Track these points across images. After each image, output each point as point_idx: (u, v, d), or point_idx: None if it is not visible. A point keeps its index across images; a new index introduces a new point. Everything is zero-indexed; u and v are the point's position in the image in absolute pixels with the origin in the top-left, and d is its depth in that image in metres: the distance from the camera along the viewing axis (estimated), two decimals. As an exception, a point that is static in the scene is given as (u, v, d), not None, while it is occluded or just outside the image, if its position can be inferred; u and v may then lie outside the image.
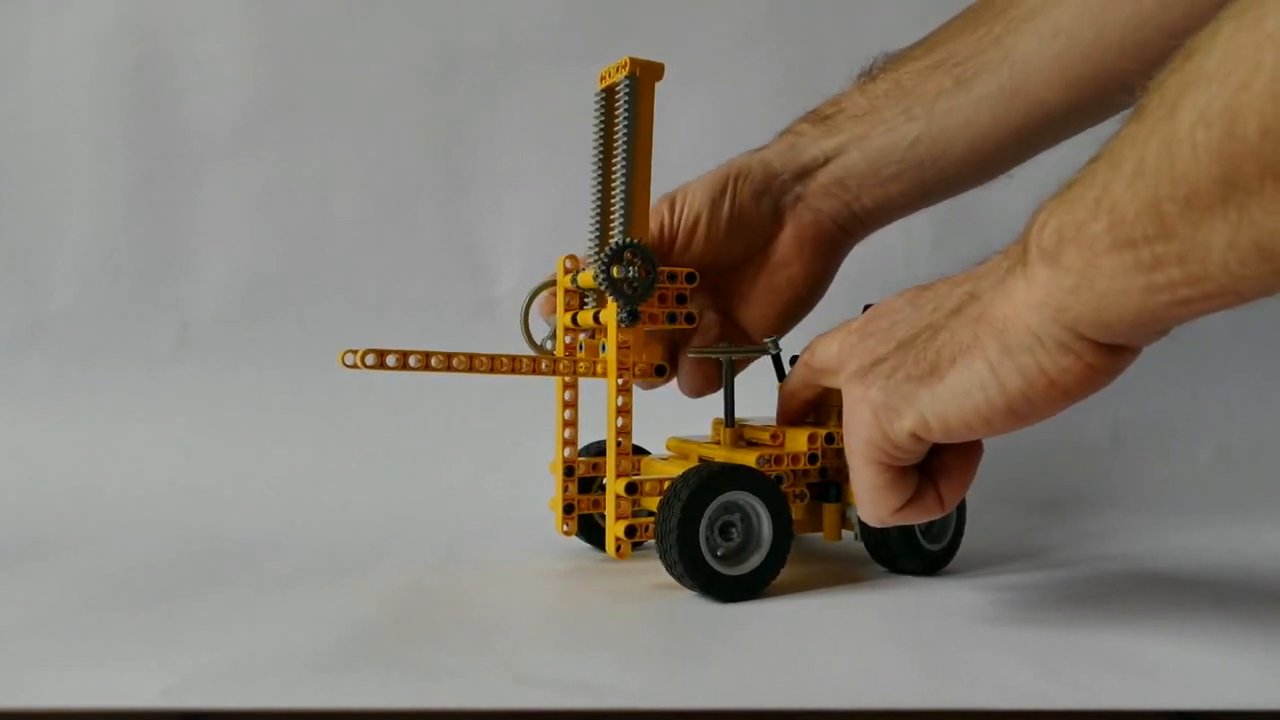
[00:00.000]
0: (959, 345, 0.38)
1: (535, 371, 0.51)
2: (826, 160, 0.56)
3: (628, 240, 0.51)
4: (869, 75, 0.57)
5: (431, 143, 0.86)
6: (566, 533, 0.56)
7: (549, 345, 0.57)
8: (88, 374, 0.82)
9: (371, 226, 0.85)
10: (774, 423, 0.54)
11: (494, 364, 0.49)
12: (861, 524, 0.52)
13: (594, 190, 0.54)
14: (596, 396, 0.55)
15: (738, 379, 0.55)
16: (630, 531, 0.50)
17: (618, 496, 0.50)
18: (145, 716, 0.34)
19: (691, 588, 0.48)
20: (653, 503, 0.50)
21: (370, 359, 0.46)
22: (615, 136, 0.52)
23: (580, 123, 0.58)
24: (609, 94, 0.53)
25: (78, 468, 0.76)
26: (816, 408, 0.54)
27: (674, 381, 0.57)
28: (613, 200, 0.52)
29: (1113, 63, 0.49)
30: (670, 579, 0.49)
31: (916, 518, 0.43)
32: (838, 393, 0.46)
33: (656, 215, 0.54)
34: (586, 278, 0.53)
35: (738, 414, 0.55)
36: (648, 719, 0.34)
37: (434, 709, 0.34)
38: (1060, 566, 0.56)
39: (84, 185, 0.84)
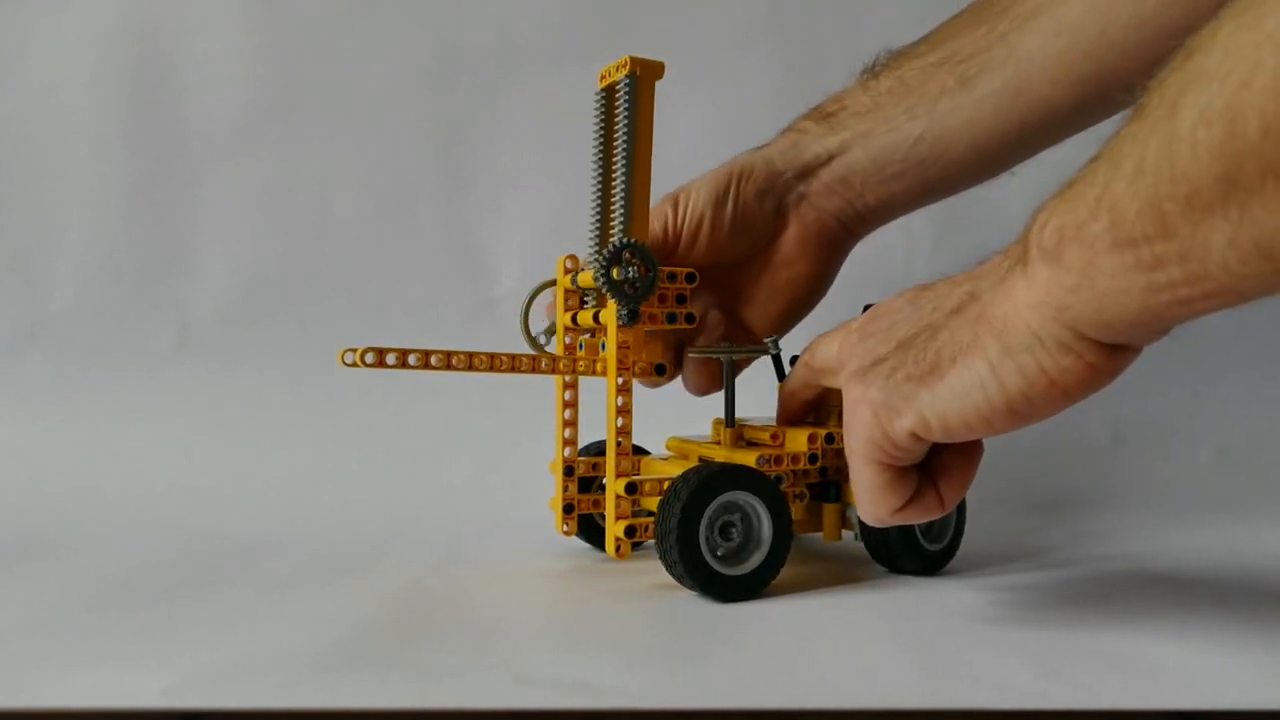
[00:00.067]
0: (959, 345, 0.38)
1: (535, 370, 0.51)
2: (830, 158, 0.56)
3: (628, 240, 0.51)
4: (872, 72, 0.57)
5: (431, 143, 0.86)
6: (566, 533, 0.56)
7: (547, 339, 0.56)
8: (88, 374, 0.82)
9: (371, 226, 0.85)
10: (774, 423, 0.54)
11: (494, 363, 0.49)
12: (861, 524, 0.52)
13: (594, 190, 0.54)
14: (596, 396, 0.55)
15: (738, 379, 0.55)
16: (630, 531, 0.50)
17: (618, 496, 0.50)
18: (145, 716, 0.34)
19: (691, 588, 0.48)
20: (653, 503, 0.50)
21: (370, 357, 0.46)
22: (615, 136, 0.52)
23: (580, 123, 0.58)
24: (609, 93, 0.53)
25: (78, 468, 0.76)
26: (816, 408, 0.54)
27: (674, 381, 0.57)
28: (613, 199, 0.52)
29: (1116, 61, 0.49)
30: (670, 579, 0.49)
31: (916, 517, 0.43)
32: (838, 393, 0.46)
33: (660, 215, 0.54)
34: (586, 278, 0.53)
35: (738, 414, 0.55)
36: (648, 719, 0.34)
37: (434, 709, 0.34)
38: (1060, 566, 0.56)
39: (84, 185, 0.84)
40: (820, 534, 0.53)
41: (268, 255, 0.85)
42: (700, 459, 0.53)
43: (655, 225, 0.54)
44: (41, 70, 0.84)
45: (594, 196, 0.54)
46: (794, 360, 0.53)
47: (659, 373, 0.54)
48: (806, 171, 0.56)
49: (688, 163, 0.60)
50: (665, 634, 0.44)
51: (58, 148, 0.84)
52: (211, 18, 0.85)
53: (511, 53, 0.86)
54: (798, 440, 0.52)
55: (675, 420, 0.59)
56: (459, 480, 0.76)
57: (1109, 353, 0.35)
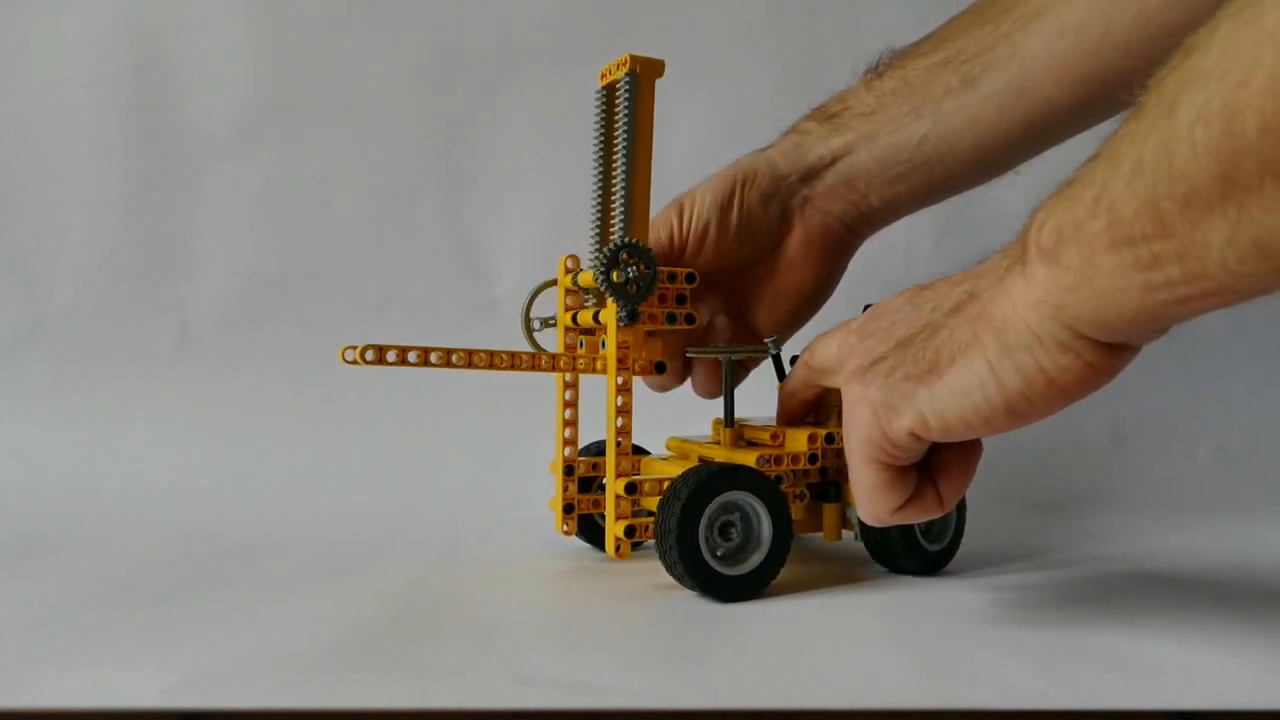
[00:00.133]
0: (958, 344, 0.38)
1: (535, 368, 0.51)
2: (834, 160, 0.56)
3: (628, 240, 0.51)
4: (875, 72, 0.57)
5: (431, 143, 0.86)
6: (566, 533, 0.56)
7: (543, 325, 0.56)
8: (88, 374, 0.82)
9: (371, 226, 0.85)
10: (774, 423, 0.54)
11: (494, 360, 0.49)
12: (861, 524, 0.52)
13: (594, 188, 0.54)
14: (597, 396, 0.55)
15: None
16: (630, 531, 0.50)
17: (618, 496, 0.50)
18: (145, 716, 0.34)
19: (691, 588, 0.48)
20: (653, 503, 0.50)
21: (370, 355, 0.46)
22: (616, 134, 0.52)
23: (580, 123, 0.58)
24: (609, 91, 0.53)
25: (78, 468, 0.76)
26: (816, 408, 0.54)
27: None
28: (613, 199, 0.52)
29: (1120, 60, 0.49)
30: (670, 579, 0.49)
31: (916, 517, 0.43)
32: (838, 393, 0.46)
33: (665, 223, 0.54)
34: (587, 277, 0.53)
35: (738, 414, 0.55)
36: (648, 719, 0.34)
37: (434, 709, 0.34)
38: (1060, 566, 0.56)
39: (84, 185, 0.84)
40: (820, 534, 0.53)
41: (268, 255, 0.85)
42: (700, 459, 0.53)
43: (661, 233, 0.54)
44: (41, 70, 0.84)
45: (594, 196, 0.54)
46: (794, 360, 0.53)
47: (659, 370, 0.54)
48: (811, 174, 0.56)
49: (688, 163, 0.60)
50: (665, 634, 0.44)
51: (58, 148, 0.84)
52: (211, 18, 0.85)
53: (511, 53, 0.86)
54: (798, 440, 0.52)
55: (675, 420, 0.59)
56: (459, 480, 0.76)
57: (1107, 352, 0.35)
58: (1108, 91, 0.50)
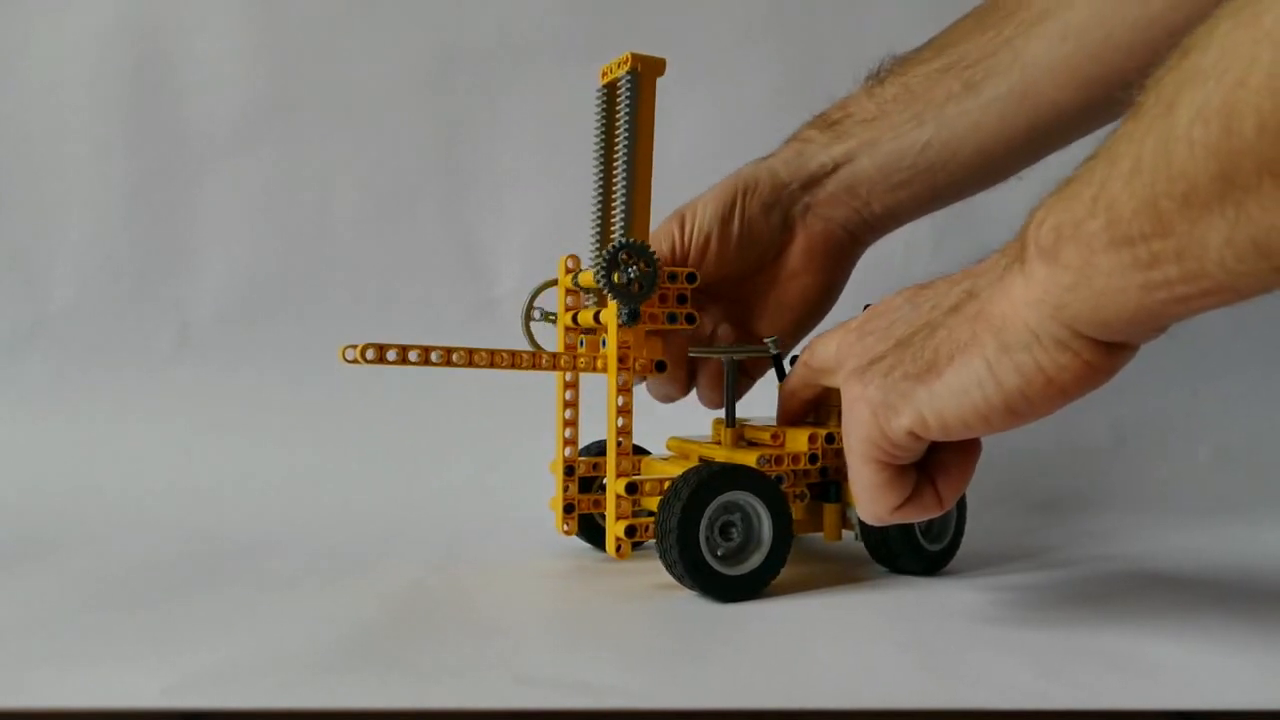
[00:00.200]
0: (957, 343, 0.38)
1: (536, 367, 0.51)
2: (835, 167, 0.56)
3: (628, 239, 0.51)
4: (876, 78, 0.57)
5: (431, 143, 0.86)
6: (566, 532, 0.56)
7: (542, 315, 0.56)
8: (88, 374, 0.82)
9: (371, 226, 0.86)
10: (774, 423, 0.54)
11: (494, 359, 0.49)
12: (861, 524, 0.52)
13: (595, 187, 0.54)
14: (597, 396, 0.55)
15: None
16: (630, 531, 0.50)
17: (618, 496, 0.50)
18: (145, 716, 0.34)
19: (691, 588, 0.48)
20: (653, 503, 0.50)
21: (370, 354, 0.46)
22: (617, 132, 0.52)
23: (581, 123, 0.58)
24: (610, 90, 0.53)
25: (78, 468, 0.76)
26: (816, 408, 0.54)
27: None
28: (614, 197, 0.52)
29: (1122, 64, 0.49)
30: (670, 579, 0.49)
31: (915, 516, 0.43)
32: (838, 392, 0.46)
33: (666, 235, 0.54)
34: (587, 277, 0.53)
35: (738, 414, 0.55)
36: (648, 719, 0.34)
37: (434, 709, 0.34)
38: (1060, 566, 0.56)
39: (84, 185, 0.84)
40: (820, 534, 0.53)
41: (268, 255, 0.85)
42: (700, 459, 0.53)
43: (663, 245, 0.54)
44: (41, 70, 0.84)
45: (595, 194, 0.54)
46: (794, 360, 0.53)
47: (659, 370, 0.54)
48: (812, 182, 0.56)
49: (688, 163, 0.60)
50: (665, 634, 0.44)
51: (58, 148, 0.84)
52: (211, 18, 0.85)
53: (511, 53, 0.86)
54: (798, 440, 0.52)
55: (675, 420, 0.59)
56: (459, 480, 0.76)
57: (1106, 351, 0.35)
58: (1110, 95, 0.50)
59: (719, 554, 0.48)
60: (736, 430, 0.54)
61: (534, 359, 0.51)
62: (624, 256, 0.50)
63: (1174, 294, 0.31)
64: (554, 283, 0.57)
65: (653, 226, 0.54)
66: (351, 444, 0.79)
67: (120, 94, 0.84)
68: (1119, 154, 0.31)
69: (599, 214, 0.54)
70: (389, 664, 0.38)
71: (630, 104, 0.51)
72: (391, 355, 0.47)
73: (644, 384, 0.57)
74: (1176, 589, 0.52)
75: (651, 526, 0.49)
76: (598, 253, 0.53)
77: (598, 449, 0.57)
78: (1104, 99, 0.51)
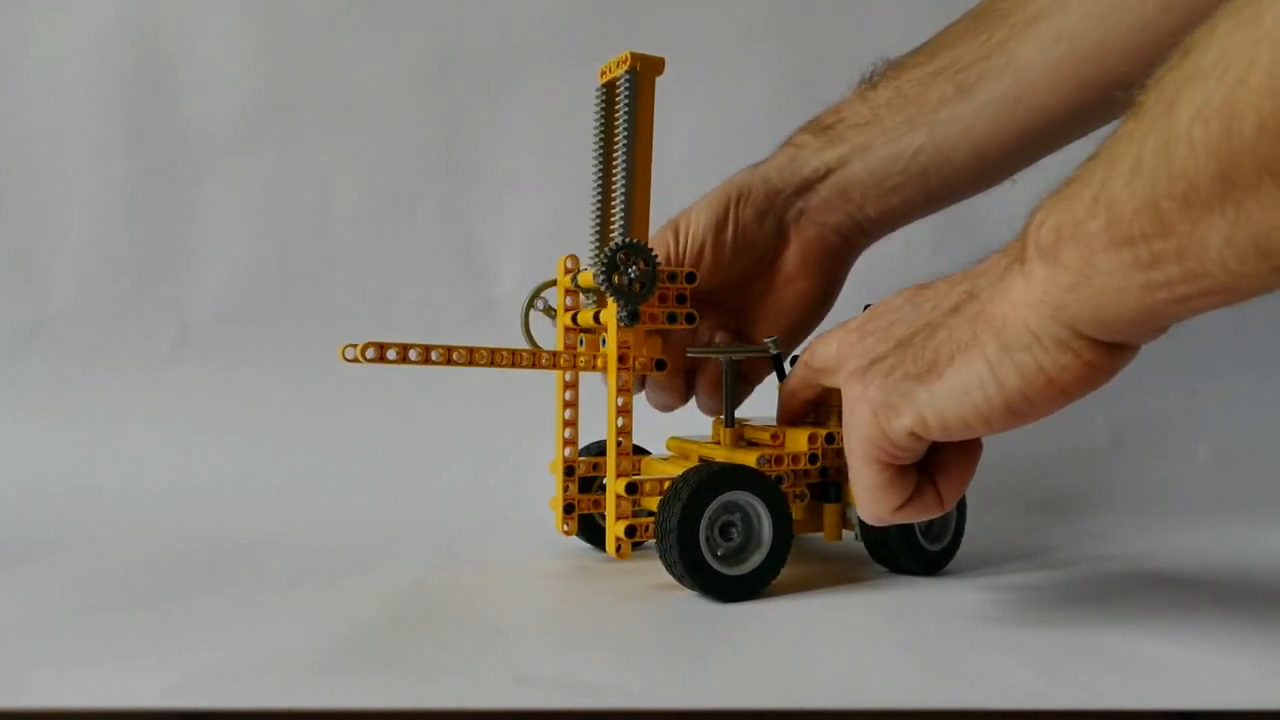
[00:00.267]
0: (957, 343, 0.38)
1: (536, 366, 0.51)
2: (828, 172, 0.56)
3: (628, 240, 0.51)
4: (870, 82, 0.57)
5: (431, 143, 0.86)
6: (566, 533, 0.56)
7: (544, 304, 0.56)
8: (88, 374, 0.82)
9: (371, 226, 0.86)
10: (774, 423, 0.54)
11: (494, 358, 0.49)
12: (861, 524, 0.52)
13: (594, 186, 0.54)
14: (597, 396, 0.55)
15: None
16: (630, 531, 0.50)
17: (618, 496, 0.50)
18: (145, 716, 0.34)
19: (691, 588, 0.48)
20: (653, 503, 0.50)
21: (370, 353, 0.46)
22: (616, 132, 0.52)
23: (581, 123, 0.58)
24: (609, 89, 0.53)
25: (78, 468, 0.76)
26: (817, 408, 0.54)
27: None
28: (613, 196, 0.52)
29: (1116, 66, 0.49)
30: (670, 579, 0.49)
31: (916, 516, 0.43)
32: (838, 392, 0.46)
33: (662, 244, 0.55)
34: (587, 278, 0.53)
35: (738, 414, 0.55)
36: (648, 719, 0.34)
37: (434, 709, 0.34)
38: (1060, 566, 0.56)
39: (84, 185, 0.84)
40: (820, 534, 0.53)
41: (268, 255, 0.85)
42: (700, 459, 0.53)
43: (658, 254, 0.54)
44: (41, 70, 0.84)
45: (594, 194, 0.54)
46: (794, 361, 0.53)
47: (659, 368, 0.54)
48: (805, 187, 0.56)
49: (688, 163, 0.60)
50: (665, 634, 0.44)
51: (58, 148, 0.84)
52: (211, 18, 0.85)
53: (511, 53, 0.86)
54: (798, 440, 0.52)
55: (675, 420, 0.59)
56: (459, 480, 0.76)
57: (1107, 351, 0.35)
58: (1105, 98, 0.50)
59: (719, 554, 0.48)
60: (736, 430, 0.54)
61: (534, 358, 0.51)
62: (624, 256, 0.50)
63: (1174, 294, 0.31)
64: (553, 283, 0.57)
65: (653, 226, 0.54)
66: (351, 444, 0.79)
67: (120, 94, 0.84)
68: (1119, 154, 0.31)
69: (598, 214, 0.54)
70: (389, 664, 0.38)
71: (629, 103, 0.51)
72: (392, 354, 0.47)
73: (642, 394, 0.58)
74: (1176, 589, 0.52)
75: (651, 526, 0.49)
76: (597, 252, 0.53)
77: (598, 449, 0.57)
78: (1097, 102, 0.51)
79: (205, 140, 0.85)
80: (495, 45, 0.86)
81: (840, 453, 0.51)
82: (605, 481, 0.53)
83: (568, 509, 0.56)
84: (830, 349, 0.47)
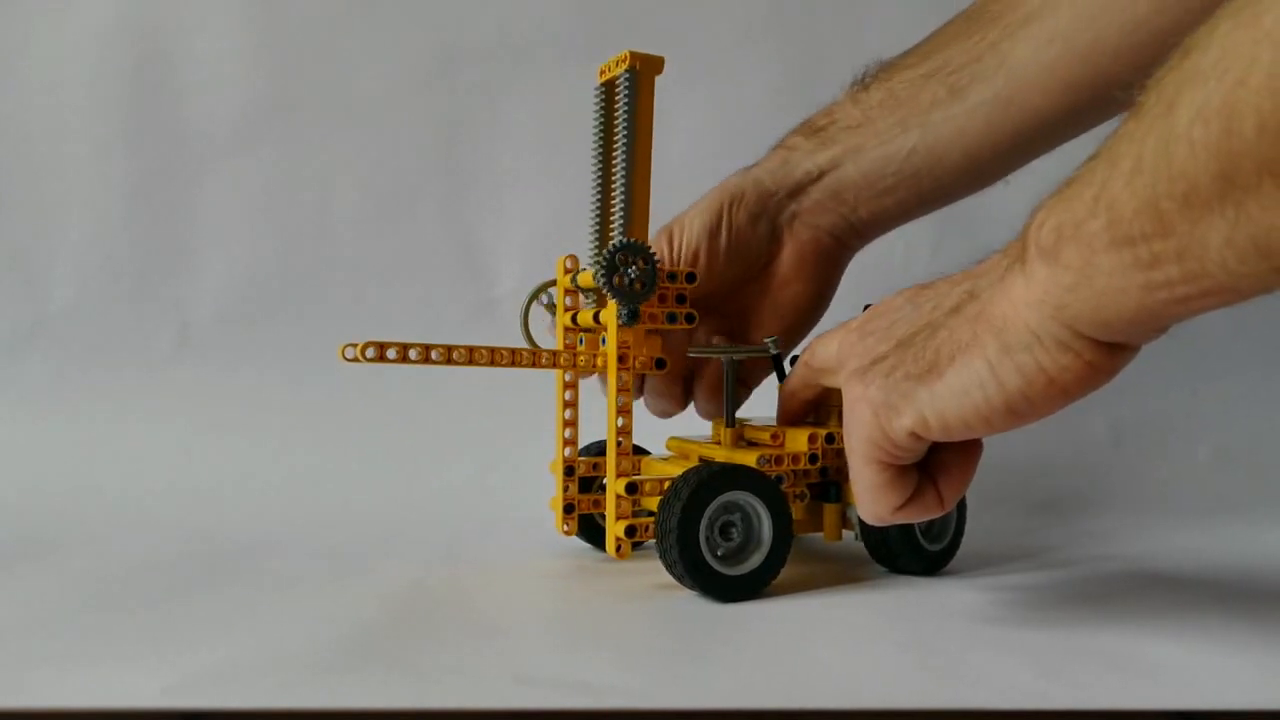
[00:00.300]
0: (958, 344, 0.38)
1: (535, 364, 0.51)
2: (821, 175, 0.56)
3: (627, 240, 0.51)
4: (862, 84, 0.57)
5: (431, 143, 0.86)
6: (566, 532, 0.56)
7: (548, 298, 0.57)
8: (88, 374, 0.82)
9: (371, 226, 0.86)
10: (774, 423, 0.54)
11: (494, 357, 0.49)
12: (861, 524, 0.52)
13: (594, 186, 0.54)
14: (597, 396, 0.55)
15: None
16: (630, 531, 0.50)
17: (618, 496, 0.50)
18: (145, 716, 0.34)
19: (691, 588, 0.48)
20: (653, 503, 0.50)
21: (370, 352, 0.46)
22: (615, 131, 0.52)
23: (581, 123, 0.58)
24: (609, 88, 0.53)
25: (78, 468, 0.76)
26: (817, 408, 0.54)
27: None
28: (613, 195, 0.52)
29: (1108, 67, 0.49)
30: (670, 579, 0.49)
31: (916, 516, 0.43)
32: (838, 392, 0.46)
33: (656, 249, 0.54)
34: (586, 278, 0.53)
35: (738, 414, 0.55)
36: (648, 719, 0.34)
37: (434, 709, 0.34)
38: (1060, 566, 0.56)
39: (84, 185, 0.84)
40: (820, 534, 0.53)
41: (268, 255, 0.85)
42: (700, 459, 0.53)
43: None
44: (41, 70, 0.84)
45: (594, 194, 0.54)
46: (794, 360, 0.53)
47: (659, 367, 0.54)
48: (798, 189, 0.56)
49: (688, 163, 0.60)
50: (665, 634, 0.44)
51: (58, 148, 0.84)
52: (211, 18, 0.85)
53: (511, 53, 0.86)
54: (798, 440, 0.52)
55: (675, 420, 0.59)
56: (459, 480, 0.76)
57: (1107, 351, 0.35)
58: (1098, 98, 0.50)
59: (719, 554, 0.48)
60: (736, 430, 0.54)
61: (534, 357, 0.51)
62: (623, 257, 0.50)
63: (1175, 294, 0.31)
64: (553, 283, 0.57)
65: (652, 226, 0.54)
66: (351, 444, 0.79)
67: (120, 94, 0.84)
68: (1120, 154, 0.31)
69: (598, 213, 0.54)
70: (389, 664, 0.38)
71: (629, 102, 0.51)
72: (392, 354, 0.47)
73: (641, 400, 0.58)
74: (1176, 589, 0.52)
75: (651, 526, 0.49)
76: (596, 252, 0.53)
77: (598, 449, 0.57)
78: (1089, 102, 0.51)
79: (205, 140, 0.85)
80: (495, 45, 0.86)
81: (840, 453, 0.51)
82: (605, 481, 0.53)
83: (568, 509, 0.56)
84: (831, 349, 0.47)
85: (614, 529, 0.50)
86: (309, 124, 0.85)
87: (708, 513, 0.47)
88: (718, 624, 0.44)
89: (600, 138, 0.53)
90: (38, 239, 0.84)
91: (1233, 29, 0.27)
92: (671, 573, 0.48)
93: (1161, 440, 0.83)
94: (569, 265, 0.56)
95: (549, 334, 0.58)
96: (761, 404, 0.59)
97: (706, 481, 0.47)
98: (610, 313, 0.52)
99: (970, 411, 0.37)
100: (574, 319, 0.55)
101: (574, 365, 0.53)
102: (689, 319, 0.53)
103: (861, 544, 0.54)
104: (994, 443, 0.44)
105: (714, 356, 0.56)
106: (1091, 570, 0.55)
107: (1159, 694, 0.36)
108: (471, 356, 0.49)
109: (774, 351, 0.54)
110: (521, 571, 0.55)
